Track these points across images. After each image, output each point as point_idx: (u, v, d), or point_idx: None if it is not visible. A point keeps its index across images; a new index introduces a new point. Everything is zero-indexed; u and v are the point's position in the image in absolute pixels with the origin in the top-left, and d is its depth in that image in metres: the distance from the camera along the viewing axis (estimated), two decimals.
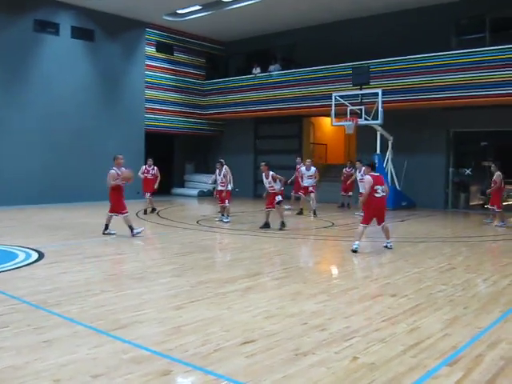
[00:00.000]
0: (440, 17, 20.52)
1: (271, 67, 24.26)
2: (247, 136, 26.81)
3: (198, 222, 15.40)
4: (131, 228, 12.44)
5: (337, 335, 5.44)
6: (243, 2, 20.86)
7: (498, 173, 15.57)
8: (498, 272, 8.92)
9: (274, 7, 21.53)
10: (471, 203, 21.89)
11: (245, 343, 5.17)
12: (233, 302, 6.73)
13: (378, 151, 19.69)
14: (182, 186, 27.30)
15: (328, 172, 24.91)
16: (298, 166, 19.25)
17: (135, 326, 5.68)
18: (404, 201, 20.24)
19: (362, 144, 22.50)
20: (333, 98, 19.90)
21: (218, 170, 16.09)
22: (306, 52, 24.02)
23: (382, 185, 10.75)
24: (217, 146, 27.82)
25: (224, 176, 15.98)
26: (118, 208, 12.48)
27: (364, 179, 11.25)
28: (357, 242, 10.74)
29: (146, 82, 24.29)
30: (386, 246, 11.23)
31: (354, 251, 10.60)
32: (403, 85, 19.83)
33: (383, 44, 21.15)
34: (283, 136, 25.47)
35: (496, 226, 15.50)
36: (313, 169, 17.83)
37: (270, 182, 14.02)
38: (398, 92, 19.83)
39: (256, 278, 8.22)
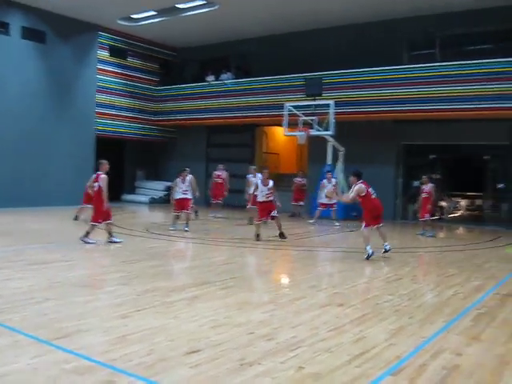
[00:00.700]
0: (393, 32, 20.95)
1: (223, 76, 24.31)
2: (199, 144, 26.69)
3: (147, 230, 15.23)
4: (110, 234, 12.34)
5: (283, 345, 5.44)
6: (198, 9, 20.82)
7: (431, 184, 16.09)
8: (443, 283, 9.09)
9: (229, 16, 21.58)
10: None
11: (190, 353, 5.11)
12: (179, 311, 6.66)
13: (329, 162, 19.91)
14: (133, 192, 27.01)
15: (280, 181, 24.95)
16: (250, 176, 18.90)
17: (79, 335, 5.55)
18: (354, 211, 20.47)
19: (313, 154, 22.74)
20: (286, 108, 20.06)
21: (181, 178, 15.80)
22: (261, 61, 24.15)
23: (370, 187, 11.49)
24: (168, 153, 27.62)
25: (190, 184, 15.89)
26: (100, 215, 12.27)
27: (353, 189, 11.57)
28: (369, 246, 11.20)
29: (98, 87, 23.94)
30: (386, 250, 11.51)
31: (371, 255, 11.12)
32: (355, 97, 20.16)
33: (337, 56, 21.47)
34: (236, 144, 25.44)
35: (427, 236, 15.97)
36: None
37: (270, 189, 14.09)
38: (349, 104, 20.14)
39: (204, 286, 8.15)
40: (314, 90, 19.83)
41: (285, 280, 9.63)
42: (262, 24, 22.56)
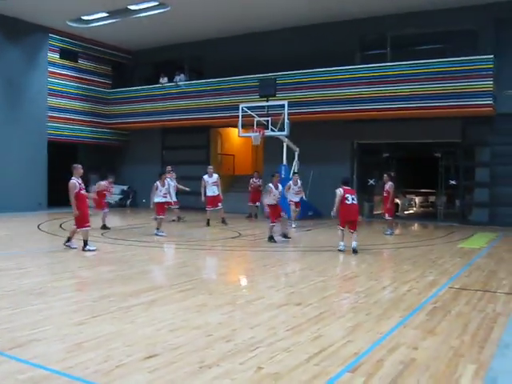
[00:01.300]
0: (346, 32, 21.21)
1: (177, 77, 24.19)
2: (154, 146, 26.50)
3: (102, 234, 15.02)
4: (85, 243, 12.05)
5: (241, 346, 5.43)
6: (150, 11, 20.65)
7: (391, 183, 16.09)
8: (398, 279, 9.23)
9: (182, 17, 21.46)
10: (375, 212, 22.68)
11: (148, 358, 5.05)
12: (136, 315, 6.57)
13: (285, 162, 20.00)
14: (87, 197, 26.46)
15: (236, 182, 25.05)
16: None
17: (33, 344, 5.41)
18: (310, 210, 20.66)
19: (269, 155, 22.86)
20: (240, 109, 20.04)
21: (160, 182, 15.60)
22: (214, 63, 24.13)
23: (352, 194, 12.28)
24: (123, 156, 27.36)
25: (168, 187, 15.90)
26: (81, 221, 12.09)
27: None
28: (341, 243, 12.25)
29: (49, 90, 23.49)
30: (354, 250, 12.09)
31: (341, 250, 12.15)
32: (309, 97, 20.35)
33: (290, 57, 21.65)
34: (191, 146, 25.36)
35: (385, 234, 16.16)
36: (215, 176, 18.06)
37: (280, 192, 14.42)
38: (304, 104, 20.32)
39: (161, 290, 8.09)
40: (267, 90, 19.87)
41: (243, 281, 9.64)
42: (215, 26, 22.52)
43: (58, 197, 19.30)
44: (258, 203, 20.52)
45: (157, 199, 15.40)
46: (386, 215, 16.27)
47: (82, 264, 10.43)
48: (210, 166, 18.83)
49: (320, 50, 21.17)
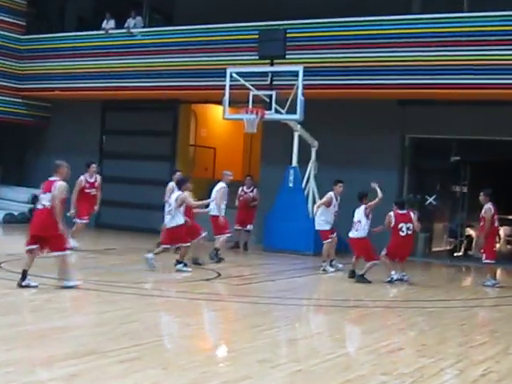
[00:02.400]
0: None
1: (130, 21, 24.09)
2: (89, 128, 26.37)
3: (0, 266, 14.96)
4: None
5: None
6: None
7: (489, 206, 15.89)
8: (467, 356, 9.18)
9: None
10: (435, 248, 22.52)
11: None
12: None
13: (295, 162, 19.93)
14: None
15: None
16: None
17: None
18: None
19: (269, 150, 22.73)
20: (227, 75, 19.90)
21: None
22: (190, 3, 24.08)
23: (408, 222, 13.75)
24: (39, 142, 27.28)
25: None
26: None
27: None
28: (394, 272, 14.18)
29: None
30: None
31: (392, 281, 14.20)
32: (337, 61, 20.23)
33: None
34: (146, 132, 25.22)
35: (484, 284, 16.08)
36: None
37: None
38: (327, 72, 20.23)
39: (90, 358, 7.98)
40: (272, 48, 19.76)
41: (219, 350, 9.61)
42: None
43: None
44: (249, 226, 20.39)
45: (177, 221, 15.64)
46: (484, 256, 16.14)
47: None
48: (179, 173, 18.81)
49: None
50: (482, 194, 16.19)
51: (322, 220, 16.53)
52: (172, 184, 17.57)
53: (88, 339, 9.03)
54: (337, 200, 15.34)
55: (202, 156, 26.95)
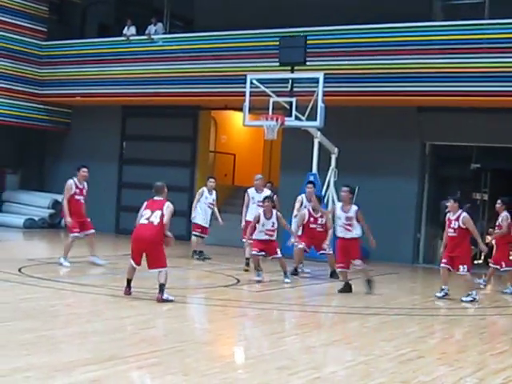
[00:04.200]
0: None
1: (151, 28, 24.17)
2: (109, 134, 26.56)
3: (20, 271, 15.00)
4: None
5: None
6: None
7: (506, 214, 15.98)
8: (487, 364, 9.14)
9: None
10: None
11: None
12: None
13: (315, 169, 19.91)
14: None
15: (236, 198, 24.80)
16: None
17: None
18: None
19: (289, 157, 22.74)
20: (247, 82, 19.96)
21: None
22: (211, 8, 24.13)
23: None
24: (60, 148, 27.42)
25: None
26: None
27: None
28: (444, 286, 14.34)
29: None
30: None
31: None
32: (357, 68, 20.24)
33: (330, 5, 21.52)
34: (167, 138, 25.27)
35: (503, 292, 16.18)
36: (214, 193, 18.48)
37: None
38: (348, 79, 20.23)
39: (109, 364, 8.00)
40: (293, 55, 19.77)
41: (238, 356, 9.59)
42: None
43: None
44: None
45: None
46: (503, 264, 16.15)
47: None
48: (212, 179, 18.94)
49: None
50: (498, 201, 16.15)
51: None
52: (302, 196, 18.02)
53: (108, 345, 9.04)
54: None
55: (221, 162, 26.93)
